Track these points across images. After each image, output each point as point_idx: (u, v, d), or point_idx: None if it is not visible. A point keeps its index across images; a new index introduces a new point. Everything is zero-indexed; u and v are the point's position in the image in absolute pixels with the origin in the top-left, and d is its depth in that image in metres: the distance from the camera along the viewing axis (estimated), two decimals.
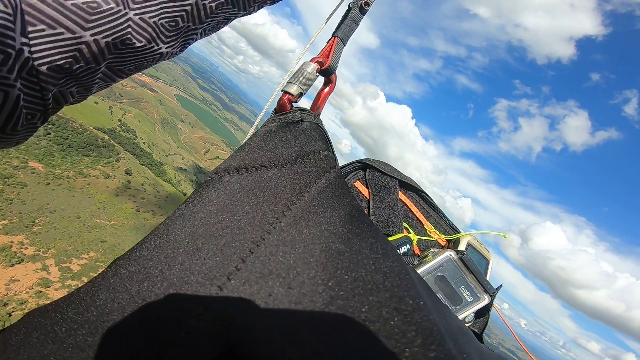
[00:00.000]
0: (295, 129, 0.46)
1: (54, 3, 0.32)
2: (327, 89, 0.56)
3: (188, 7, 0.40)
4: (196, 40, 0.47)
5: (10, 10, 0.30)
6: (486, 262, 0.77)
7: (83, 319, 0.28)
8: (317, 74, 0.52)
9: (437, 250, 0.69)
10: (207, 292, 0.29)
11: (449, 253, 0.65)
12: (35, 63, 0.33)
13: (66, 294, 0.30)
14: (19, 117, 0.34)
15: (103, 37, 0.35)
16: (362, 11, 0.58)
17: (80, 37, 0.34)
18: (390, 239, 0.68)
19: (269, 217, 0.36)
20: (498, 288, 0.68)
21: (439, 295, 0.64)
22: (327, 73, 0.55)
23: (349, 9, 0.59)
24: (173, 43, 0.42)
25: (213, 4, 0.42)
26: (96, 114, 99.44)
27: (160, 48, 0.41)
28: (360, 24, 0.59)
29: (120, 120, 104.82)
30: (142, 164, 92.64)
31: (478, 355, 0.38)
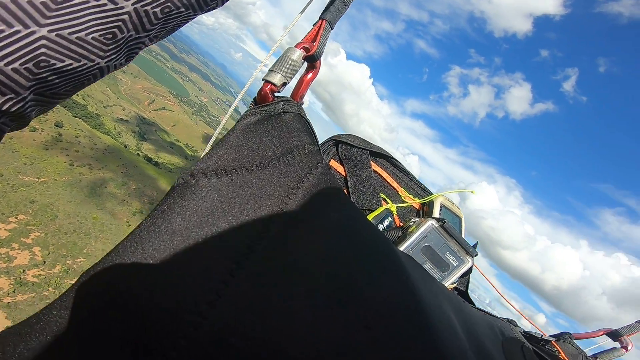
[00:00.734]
0: (277, 122, 0.42)
1: None
2: (310, 75, 0.52)
3: (125, 16, 0.36)
4: (147, 46, 0.43)
5: None
6: (459, 219, 0.81)
7: (61, 345, 0.26)
8: (303, 60, 0.48)
9: (418, 219, 0.71)
10: (195, 309, 0.27)
11: (431, 222, 0.67)
12: None
13: (36, 313, 0.27)
14: None
15: (7, 64, 0.31)
16: None
17: None
18: (372, 215, 0.70)
19: (256, 226, 0.34)
20: (475, 245, 0.71)
21: (427, 265, 0.67)
22: (313, 59, 0.50)
23: None
24: (114, 56, 0.38)
25: (157, 9, 0.38)
26: None
27: (98, 64, 0.37)
28: (350, 6, 0.54)
29: None
30: (75, 116, 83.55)
31: (478, 326, 0.39)
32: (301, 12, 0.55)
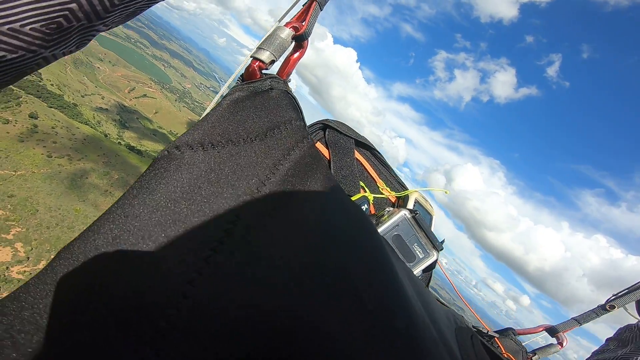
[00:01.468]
0: (264, 97, 0.42)
1: None
2: (297, 55, 0.51)
3: (72, 5, 0.33)
4: (101, 31, 0.41)
5: None
6: (430, 217, 0.83)
7: (42, 321, 0.25)
8: (292, 39, 0.48)
9: (392, 209, 0.73)
10: (184, 279, 0.27)
11: (404, 212, 0.69)
12: None
13: (13, 290, 0.26)
14: None
15: None
16: None
17: None
18: None
19: (242, 198, 0.33)
20: (442, 242, 0.74)
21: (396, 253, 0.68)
22: (301, 39, 0.50)
23: None
24: (61, 45, 0.36)
25: None
26: None
27: (41, 53, 0.35)
28: None
29: None
30: (51, 107, 79.92)
31: (437, 313, 0.41)
32: None
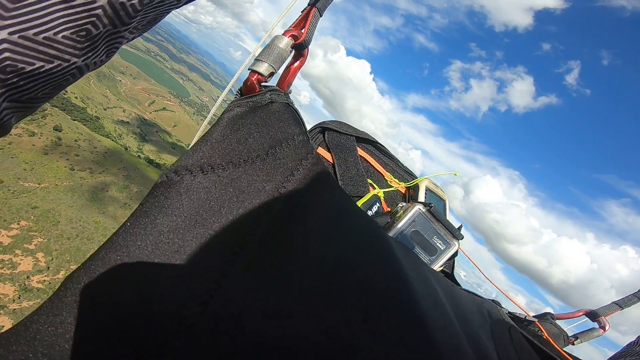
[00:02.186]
0: (265, 113, 0.40)
1: None
2: (297, 64, 0.50)
3: (98, 11, 0.33)
4: (129, 40, 0.40)
5: None
6: (443, 202, 0.82)
7: (53, 352, 0.25)
8: (291, 49, 0.46)
9: (405, 205, 0.71)
10: (189, 312, 0.27)
11: (418, 207, 0.67)
12: None
13: (23, 319, 0.26)
14: None
15: None
16: None
17: None
18: (360, 201, 0.70)
19: (247, 222, 0.32)
20: (460, 228, 0.71)
21: (416, 249, 0.67)
22: (301, 47, 0.48)
23: None
24: (92, 53, 0.35)
25: (135, 1, 0.35)
26: None
27: (75, 63, 0.34)
28: None
29: None
30: (74, 119, 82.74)
31: (467, 309, 0.39)
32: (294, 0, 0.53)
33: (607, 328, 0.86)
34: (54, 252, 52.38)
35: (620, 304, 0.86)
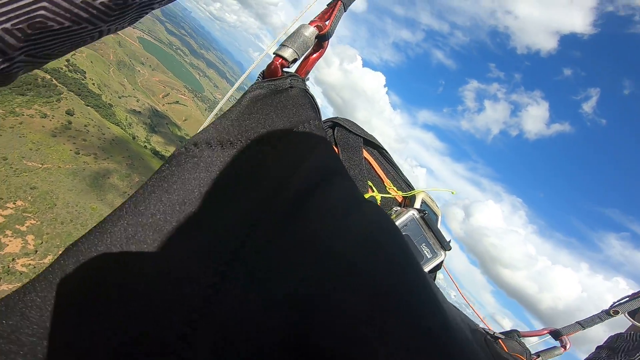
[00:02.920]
0: (284, 96, 0.42)
1: None
2: (316, 55, 0.51)
3: None
4: (154, 9, 0.41)
5: None
6: (436, 217, 0.83)
7: (47, 323, 0.24)
8: (315, 39, 0.48)
9: (400, 209, 0.73)
10: (207, 284, 0.26)
11: (412, 212, 0.68)
12: None
13: (16, 289, 0.25)
14: None
15: None
16: None
17: None
18: None
19: (263, 197, 0.32)
20: (449, 241, 0.73)
21: None
22: (323, 39, 0.50)
23: None
24: (120, 19, 0.36)
25: None
26: None
27: (99, 27, 0.35)
28: None
29: (68, 60, 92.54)
30: (88, 105, 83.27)
31: (451, 311, 0.40)
32: None
33: (568, 347, 0.88)
34: (44, 236, 51.86)
35: (583, 324, 0.88)
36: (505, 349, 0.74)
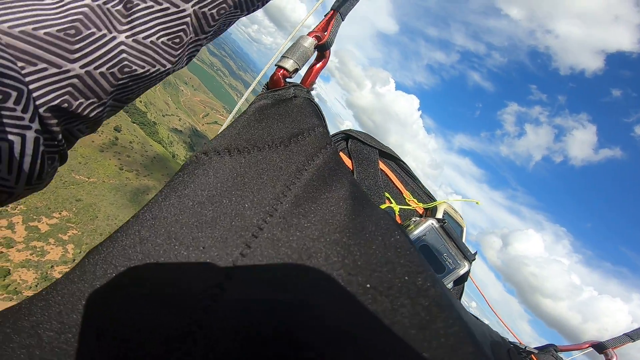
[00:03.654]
0: (288, 105, 0.44)
1: (23, 35, 0.28)
2: (319, 65, 0.53)
3: (187, 19, 0.36)
4: (202, 46, 0.43)
5: None
6: (460, 228, 0.80)
7: (70, 320, 0.25)
8: (314, 49, 0.50)
9: (418, 219, 0.70)
10: (212, 283, 0.27)
11: (431, 222, 0.67)
12: None
13: (39, 290, 0.26)
14: (42, 163, 0.31)
15: (95, 68, 0.31)
16: None
17: (68, 70, 0.30)
18: None
19: (268, 200, 0.34)
20: (475, 254, 0.70)
21: None
22: (324, 48, 0.52)
23: None
24: (179, 59, 0.38)
25: (214, 11, 0.38)
26: None
27: (168, 68, 0.37)
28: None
29: None
30: (134, 122, 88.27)
31: (471, 321, 0.39)
32: (317, 5, 0.57)
33: None
34: (84, 246, 54.06)
35: (632, 336, 0.81)
36: None
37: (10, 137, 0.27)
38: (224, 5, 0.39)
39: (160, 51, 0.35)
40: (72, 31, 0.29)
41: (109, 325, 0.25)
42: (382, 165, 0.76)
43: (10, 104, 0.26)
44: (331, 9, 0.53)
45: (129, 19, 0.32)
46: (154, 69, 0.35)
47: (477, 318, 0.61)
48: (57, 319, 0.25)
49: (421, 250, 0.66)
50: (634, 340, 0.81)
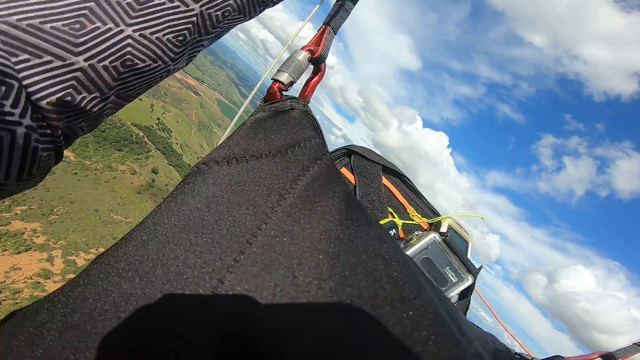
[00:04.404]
0: (285, 117, 0.45)
1: (30, 28, 0.28)
2: (315, 78, 0.55)
3: (194, 19, 0.37)
4: (204, 48, 0.44)
5: None
6: (466, 243, 0.80)
7: (72, 320, 0.27)
8: (308, 62, 0.52)
9: (421, 232, 0.71)
10: (207, 287, 0.28)
11: (433, 235, 0.67)
12: (33, 98, 0.29)
13: (48, 293, 0.28)
14: (33, 159, 0.31)
15: (99, 61, 0.31)
16: (354, 1, 0.57)
17: (72, 63, 0.30)
18: None
19: (263, 208, 0.35)
20: (479, 268, 0.70)
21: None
22: (318, 62, 0.54)
23: None
24: (180, 58, 0.40)
25: (219, 13, 0.39)
26: (137, 110, 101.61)
27: (168, 66, 0.38)
28: (351, 13, 0.58)
29: (158, 119, 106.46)
30: (170, 164, 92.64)
31: (473, 334, 0.39)
32: (308, 19, 0.60)
33: None
34: None
35: None
36: None
37: None
38: (229, 8, 0.40)
39: (164, 47, 0.36)
40: (77, 25, 0.30)
41: (108, 329, 0.26)
42: (385, 181, 0.77)
43: None
44: (323, 24, 0.55)
45: (140, 13, 0.33)
46: (155, 64, 0.36)
47: (480, 329, 0.61)
48: (60, 320, 0.26)
49: (424, 263, 0.66)
50: None
